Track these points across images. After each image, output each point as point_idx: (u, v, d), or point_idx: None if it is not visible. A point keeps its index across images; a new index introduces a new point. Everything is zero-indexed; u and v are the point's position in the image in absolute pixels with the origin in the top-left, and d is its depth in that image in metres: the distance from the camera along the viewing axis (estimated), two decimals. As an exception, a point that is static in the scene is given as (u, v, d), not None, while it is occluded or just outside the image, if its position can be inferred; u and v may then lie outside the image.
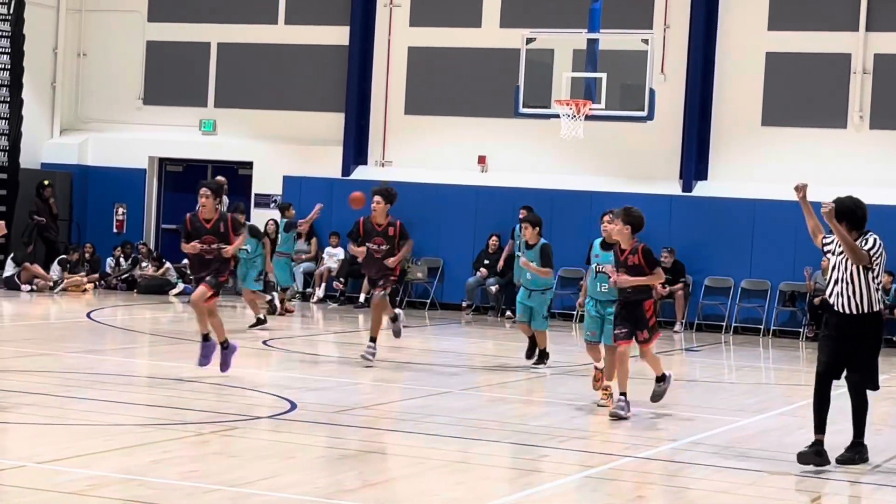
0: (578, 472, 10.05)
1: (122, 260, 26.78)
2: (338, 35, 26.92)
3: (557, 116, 20.91)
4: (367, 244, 15.92)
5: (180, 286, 25.95)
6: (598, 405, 13.27)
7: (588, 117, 20.76)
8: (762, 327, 23.82)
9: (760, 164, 24.46)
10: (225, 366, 14.12)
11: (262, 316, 20.06)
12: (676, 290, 23.65)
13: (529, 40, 21.84)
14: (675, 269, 23.71)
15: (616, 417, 12.41)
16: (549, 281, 16.19)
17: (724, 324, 23.99)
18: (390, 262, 15.94)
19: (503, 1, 26.03)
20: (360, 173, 26.54)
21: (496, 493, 9.28)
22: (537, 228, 15.90)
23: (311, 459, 10.20)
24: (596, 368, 13.85)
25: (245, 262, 20.21)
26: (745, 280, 24.10)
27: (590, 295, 13.61)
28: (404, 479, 9.51)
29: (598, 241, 13.65)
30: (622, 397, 12.61)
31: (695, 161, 24.76)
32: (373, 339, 15.91)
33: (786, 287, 23.90)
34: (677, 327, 23.59)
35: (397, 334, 16.54)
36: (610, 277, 12.97)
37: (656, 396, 13.04)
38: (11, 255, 25.36)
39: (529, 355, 16.47)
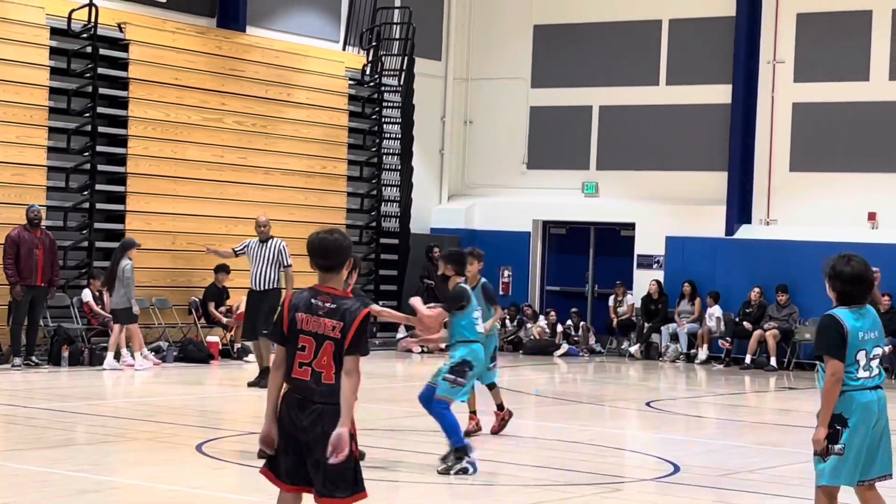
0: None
1: (507, 321, 27.24)
2: (720, 94, 26.71)
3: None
4: None
5: (565, 347, 26.20)
6: None
7: None
8: None
9: None
10: None
11: None
12: None
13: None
14: None
15: None
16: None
17: None
18: None
19: (892, 53, 25.23)
20: (743, 232, 26.16)
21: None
22: None
23: (696, 524, 10.03)
24: None
25: None
26: None
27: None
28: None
29: None
30: None
31: None
32: None
33: None
34: None
35: None
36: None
37: None
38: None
39: None
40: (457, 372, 11.43)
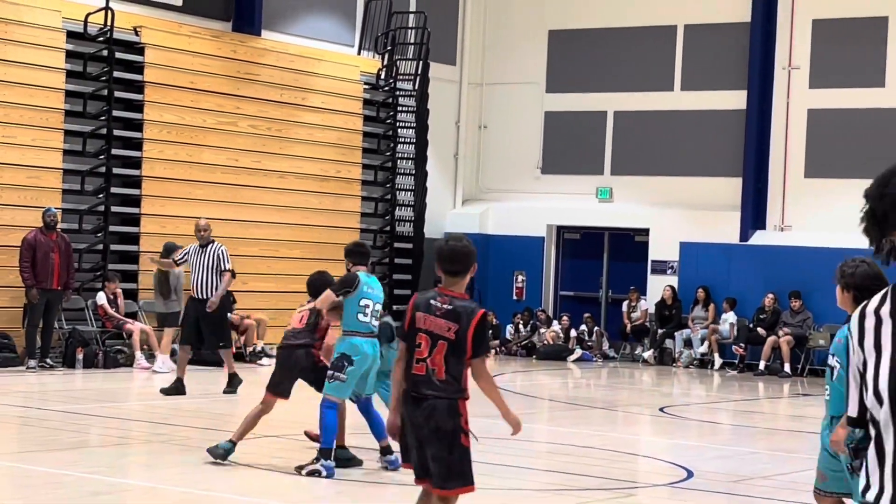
0: None
1: (521, 326, 27.24)
2: (734, 100, 26.68)
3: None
4: None
5: (578, 352, 26.19)
6: None
7: None
8: None
9: None
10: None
11: None
12: None
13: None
14: None
15: None
16: None
17: None
18: None
19: (908, 59, 25.20)
20: (758, 238, 26.12)
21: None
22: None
23: (708, 530, 10.02)
24: None
25: None
26: None
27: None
28: (805, 553, 9.21)
29: None
30: None
31: None
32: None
33: None
34: None
35: None
36: None
37: None
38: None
39: None
40: (335, 367, 11.23)
